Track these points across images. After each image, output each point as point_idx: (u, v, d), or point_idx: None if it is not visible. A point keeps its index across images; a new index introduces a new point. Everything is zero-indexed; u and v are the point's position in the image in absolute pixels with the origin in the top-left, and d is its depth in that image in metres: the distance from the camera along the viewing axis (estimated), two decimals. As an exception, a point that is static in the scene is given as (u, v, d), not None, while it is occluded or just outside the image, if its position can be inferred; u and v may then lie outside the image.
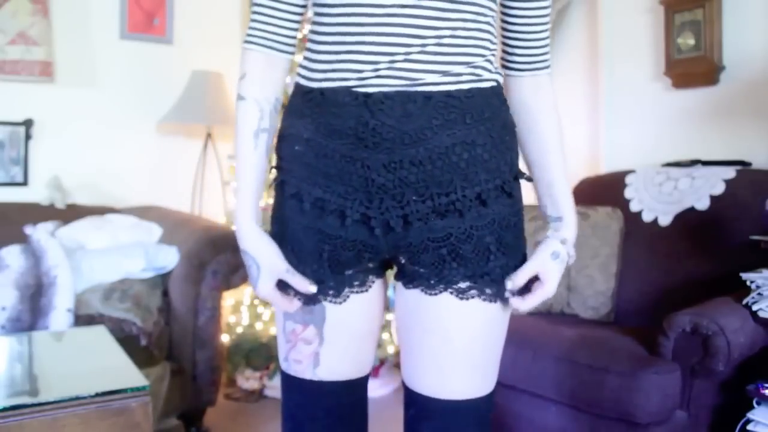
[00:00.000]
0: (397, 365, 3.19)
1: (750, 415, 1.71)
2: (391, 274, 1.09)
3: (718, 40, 2.51)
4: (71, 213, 2.87)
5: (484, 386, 1.01)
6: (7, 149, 3.00)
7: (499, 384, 2.15)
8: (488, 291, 0.95)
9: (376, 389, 2.96)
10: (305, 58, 1.00)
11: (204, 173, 3.38)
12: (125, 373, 1.47)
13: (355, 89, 0.92)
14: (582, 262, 2.45)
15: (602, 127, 2.97)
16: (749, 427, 1.71)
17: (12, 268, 2.36)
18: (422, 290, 0.97)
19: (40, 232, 2.48)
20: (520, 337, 2.10)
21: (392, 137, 0.90)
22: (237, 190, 1.00)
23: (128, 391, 1.33)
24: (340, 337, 1.03)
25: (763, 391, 1.68)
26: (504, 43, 1.07)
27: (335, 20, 0.93)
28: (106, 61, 3.26)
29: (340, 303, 1.01)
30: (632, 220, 2.49)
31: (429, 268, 0.95)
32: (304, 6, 1.00)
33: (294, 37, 1.01)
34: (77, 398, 1.29)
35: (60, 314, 2.23)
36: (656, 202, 2.46)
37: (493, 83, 0.97)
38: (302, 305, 1.01)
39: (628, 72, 2.88)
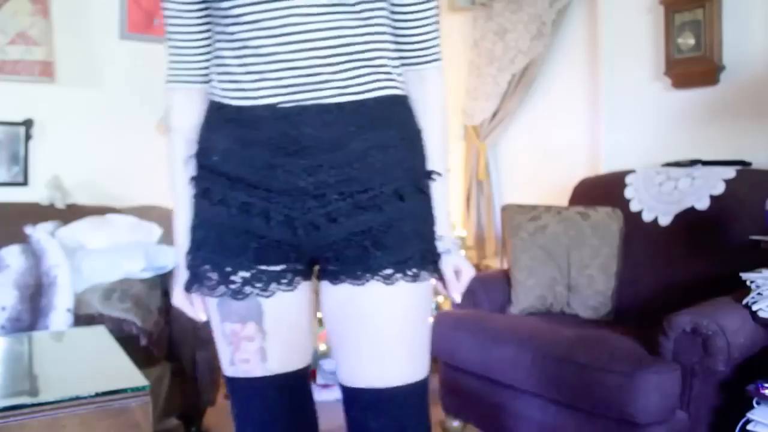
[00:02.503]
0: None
1: (750, 415, 1.71)
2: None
3: (718, 40, 2.51)
4: (71, 213, 2.87)
5: (422, 370, 1.06)
6: (7, 149, 3.00)
7: (500, 384, 2.16)
8: (410, 273, 1.02)
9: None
10: (215, 73, 1.04)
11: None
12: (125, 373, 1.47)
13: (272, 105, 0.98)
14: (582, 262, 2.45)
15: (602, 127, 2.97)
16: (749, 427, 1.71)
17: (12, 268, 2.36)
18: (350, 283, 1.02)
19: (40, 232, 2.48)
20: (520, 337, 2.10)
21: (312, 144, 0.97)
22: (176, 208, 1.11)
23: (128, 391, 1.33)
24: (281, 328, 1.06)
25: (763, 391, 1.68)
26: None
27: (240, 36, 0.98)
28: (106, 61, 3.26)
29: (268, 297, 1.04)
30: (632, 220, 2.49)
31: (354, 261, 1.01)
32: (209, 39, 1.07)
33: (207, 68, 1.09)
34: (77, 398, 1.29)
35: (60, 314, 2.23)
36: (656, 202, 2.46)
37: (400, 91, 1.05)
38: (233, 302, 1.04)
39: (628, 72, 2.88)
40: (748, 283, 1.85)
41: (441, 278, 1.12)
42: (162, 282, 2.54)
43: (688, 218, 2.34)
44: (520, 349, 2.06)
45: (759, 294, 1.79)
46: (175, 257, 1.11)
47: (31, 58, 2.99)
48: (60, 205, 2.93)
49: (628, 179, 2.58)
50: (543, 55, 3.19)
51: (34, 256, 2.41)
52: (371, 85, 1.00)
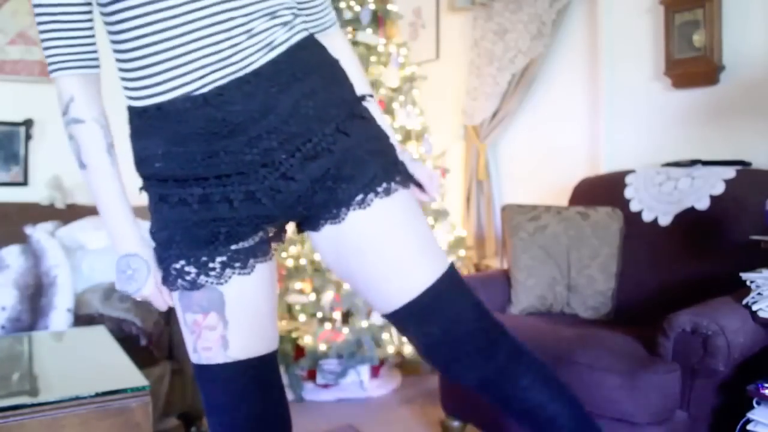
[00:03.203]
0: (396, 365, 3.19)
1: (750, 415, 1.71)
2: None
3: (718, 40, 2.51)
4: (71, 213, 2.87)
5: (441, 263, 1.09)
6: (7, 149, 3.00)
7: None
8: (380, 189, 1.05)
9: (375, 389, 2.96)
10: (123, 78, 1.03)
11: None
12: (125, 373, 1.47)
13: (189, 94, 0.96)
14: (582, 262, 2.45)
15: (602, 127, 2.97)
16: (749, 427, 1.71)
17: (12, 268, 2.36)
18: (330, 223, 1.05)
19: (40, 232, 2.48)
20: (520, 337, 2.10)
21: (243, 119, 0.97)
22: (106, 204, 1.08)
23: (128, 391, 1.34)
24: (243, 316, 1.07)
25: (763, 391, 1.68)
26: None
27: (131, 35, 0.97)
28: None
29: (249, 273, 1.06)
30: (632, 220, 2.49)
31: (325, 203, 1.04)
32: (92, 19, 1.05)
33: (95, 51, 1.06)
34: (77, 398, 1.29)
35: (60, 314, 2.23)
36: (656, 202, 2.46)
37: (304, 33, 1.06)
38: (194, 293, 1.05)
39: (628, 72, 2.88)
40: (748, 283, 1.85)
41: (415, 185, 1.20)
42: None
43: (688, 218, 2.34)
44: (520, 349, 2.06)
45: (759, 294, 1.79)
46: (126, 250, 1.07)
47: (31, 58, 2.99)
48: (60, 205, 2.93)
49: (628, 179, 2.58)
50: (543, 55, 3.19)
51: (34, 256, 2.41)
52: (277, 41, 1.00)
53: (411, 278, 1.06)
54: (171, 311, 2.47)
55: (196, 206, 1.02)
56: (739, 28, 2.48)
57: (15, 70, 2.96)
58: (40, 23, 1.02)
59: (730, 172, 2.31)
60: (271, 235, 1.12)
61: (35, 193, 3.02)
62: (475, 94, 3.52)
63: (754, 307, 1.77)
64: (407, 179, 1.12)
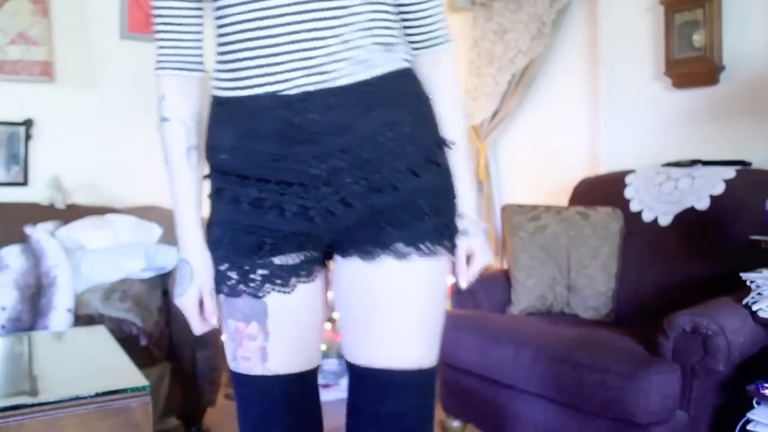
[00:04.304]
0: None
1: (750, 415, 1.71)
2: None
3: (718, 40, 2.51)
4: (71, 213, 2.87)
5: (434, 356, 1.05)
6: (7, 149, 3.00)
7: (500, 384, 2.15)
8: (424, 248, 1.00)
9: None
10: (216, 69, 1.03)
11: (204, 173, 3.37)
12: (125, 373, 1.47)
13: (274, 93, 0.95)
14: (582, 262, 2.45)
15: (602, 127, 2.97)
16: (749, 427, 1.71)
17: (12, 268, 2.36)
18: (360, 257, 1.00)
19: (40, 232, 2.48)
20: (520, 337, 2.10)
21: (319, 130, 0.94)
22: (176, 204, 1.06)
23: (128, 391, 1.34)
24: (285, 330, 1.04)
25: (763, 391, 1.68)
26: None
27: (235, 19, 0.96)
28: (106, 61, 3.26)
29: (288, 293, 1.03)
30: (632, 220, 2.49)
31: (368, 239, 1.00)
32: (201, 25, 1.05)
33: (200, 55, 1.06)
34: (77, 398, 1.29)
35: (60, 314, 2.23)
36: (656, 202, 2.46)
37: (405, 64, 1.02)
38: (237, 299, 1.02)
39: (628, 72, 2.88)
40: (748, 283, 1.85)
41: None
42: (162, 282, 2.54)
43: (688, 218, 2.34)
44: (520, 349, 2.06)
45: (759, 294, 1.79)
46: (181, 255, 1.05)
47: (31, 58, 2.99)
48: (60, 205, 2.93)
49: (628, 179, 2.58)
50: (543, 55, 3.19)
51: (34, 256, 2.41)
52: (373, 62, 0.97)
53: (406, 350, 1.01)
54: (171, 311, 2.47)
55: (246, 207, 0.99)
56: (739, 28, 2.48)
57: (15, 70, 2.96)
58: (154, 23, 1.03)
59: (730, 172, 2.30)
60: (315, 256, 1.06)
61: (35, 193, 3.02)
62: (475, 94, 3.51)
63: (754, 307, 1.77)
64: (453, 249, 1.05)
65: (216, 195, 1.04)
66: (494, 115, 3.44)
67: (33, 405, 1.26)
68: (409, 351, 1.01)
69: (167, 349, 2.45)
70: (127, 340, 2.16)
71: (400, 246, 0.98)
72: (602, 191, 2.65)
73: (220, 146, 1.01)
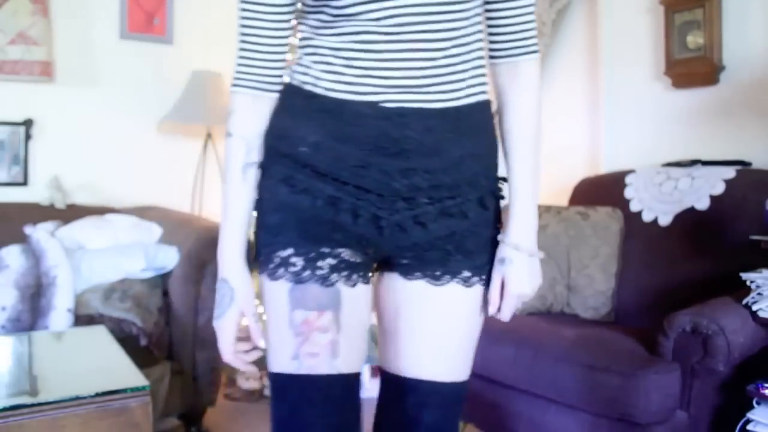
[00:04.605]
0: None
1: (750, 415, 1.71)
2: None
3: (718, 40, 2.51)
4: (71, 213, 2.87)
5: (469, 370, 1.11)
6: (7, 149, 3.00)
7: (500, 384, 2.15)
8: (484, 278, 1.06)
9: (376, 389, 2.95)
10: (309, 63, 1.00)
11: (204, 173, 3.38)
12: (125, 373, 1.47)
13: (375, 103, 0.96)
14: (582, 262, 2.45)
15: (602, 127, 2.97)
16: (749, 427, 1.71)
17: (12, 268, 2.36)
18: (428, 281, 1.04)
19: (40, 232, 2.48)
20: (520, 337, 2.10)
21: (411, 148, 0.96)
22: (224, 220, 1.03)
23: (128, 391, 1.34)
24: (352, 325, 1.01)
25: (763, 391, 1.68)
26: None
27: (348, 30, 0.96)
28: (106, 61, 3.26)
29: (352, 287, 1.01)
30: (632, 220, 2.49)
31: (434, 262, 1.03)
32: (287, 45, 1.03)
33: (280, 76, 1.04)
34: (77, 398, 1.29)
35: (60, 314, 2.23)
36: (656, 202, 2.46)
37: (487, 96, 1.04)
38: (310, 288, 0.98)
39: (628, 72, 2.88)
40: (748, 283, 1.85)
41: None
42: (162, 282, 2.54)
43: (688, 218, 2.34)
44: (520, 349, 2.06)
45: (759, 294, 1.79)
46: (221, 275, 1.01)
47: (31, 58, 2.99)
48: (60, 205, 2.93)
49: (628, 179, 2.58)
50: (543, 55, 3.19)
51: (34, 256, 2.41)
52: (470, 90, 1.00)
53: (455, 365, 1.08)
54: (171, 311, 2.47)
55: (321, 203, 0.98)
56: (739, 28, 2.48)
57: (15, 70, 2.96)
58: (239, 36, 1.02)
59: (730, 172, 2.30)
60: (371, 263, 1.06)
61: (35, 193, 3.02)
62: (475, 94, 3.51)
63: (754, 307, 1.77)
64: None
65: (280, 183, 1.00)
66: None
67: (33, 405, 1.26)
68: (457, 367, 1.08)
69: (167, 349, 2.45)
70: (127, 340, 2.16)
71: (467, 275, 1.04)
72: (602, 191, 2.65)
73: (298, 137, 0.99)
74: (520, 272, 1.05)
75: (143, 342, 2.29)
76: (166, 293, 2.52)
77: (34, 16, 2.99)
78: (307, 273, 0.98)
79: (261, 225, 1.02)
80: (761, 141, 2.43)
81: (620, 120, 2.92)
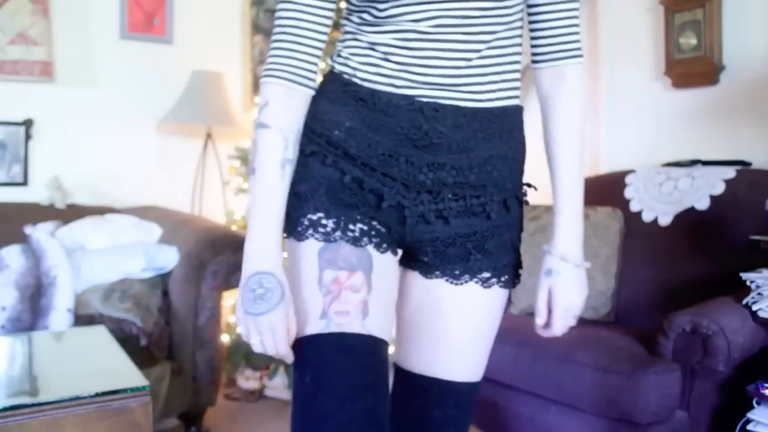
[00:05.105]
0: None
1: (750, 415, 1.71)
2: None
3: (718, 40, 2.51)
4: (71, 213, 2.87)
5: (483, 369, 1.12)
6: (7, 149, 3.00)
7: (499, 384, 2.15)
8: (503, 279, 1.06)
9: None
10: (349, 55, 1.01)
11: (204, 173, 3.38)
12: (125, 373, 1.47)
13: (411, 97, 0.97)
14: (582, 262, 2.45)
15: (602, 127, 2.97)
16: (749, 427, 1.71)
17: (12, 268, 2.36)
18: (447, 280, 1.05)
19: (40, 232, 2.48)
20: (520, 337, 2.10)
21: (441, 142, 0.97)
22: (262, 215, 0.96)
23: (128, 391, 1.34)
24: (384, 290, 0.98)
25: (763, 391, 1.68)
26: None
27: (390, 28, 0.97)
28: (106, 61, 3.26)
29: (382, 253, 0.99)
30: (632, 220, 2.49)
31: (454, 260, 1.03)
32: (324, 42, 1.01)
33: (315, 72, 1.00)
34: (77, 398, 1.29)
35: (60, 314, 2.23)
36: (656, 202, 2.46)
37: (518, 101, 1.05)
38: (342, 248, 0.96)
39: (628, 72, 2.88)
40: (748, 283, 1.85)
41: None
42: (162, 282, 2.54)
43: (688, 218, 2.34)
44: (520, 349, 2.06)
45: (759, 294, 1.79)
46: (262, 268, 0.94)
47: (31, 58, 2.99)
48: (60, 205, 2.93)
49: (628, 179, 2.58)
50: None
51: (34, 256, 2.41)
52: (503, 93, 1.01)
53: (471, 365, 1.08)
54: (170, 312, 2.47)
55: (348, 179, 0.98)
56: (739, 28, 2.48)
57: (15, 70, 2.96)
58: (275, 26, 0.99)
59: (730, 172, 2.31)
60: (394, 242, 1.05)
61: (35, 193, 3.02)
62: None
63: (754, 307, 1.77)
64: (517, 283, 1.10)
65: (311, 156, 0.99)
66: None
67: (33, 405, 1.26)
68: (472, 367, 1.08)
69: (167, 349, 2.45)
70: (127, 340, 2.16)
71: (486, 275, 1.04)
72: (602, 191, 2.65)
73: (333, 121, 0.99)
74: (568, 283, 1.04)
75: (143, 342, 2.28)
76: (166, 293, 2.52)
77: (34, 16, 2.99)
78: (338, 233, 0.96)
79: (289, 194, 0.99)
80: (761, 141, 2.43)
81: (620, 120, 2.92)
